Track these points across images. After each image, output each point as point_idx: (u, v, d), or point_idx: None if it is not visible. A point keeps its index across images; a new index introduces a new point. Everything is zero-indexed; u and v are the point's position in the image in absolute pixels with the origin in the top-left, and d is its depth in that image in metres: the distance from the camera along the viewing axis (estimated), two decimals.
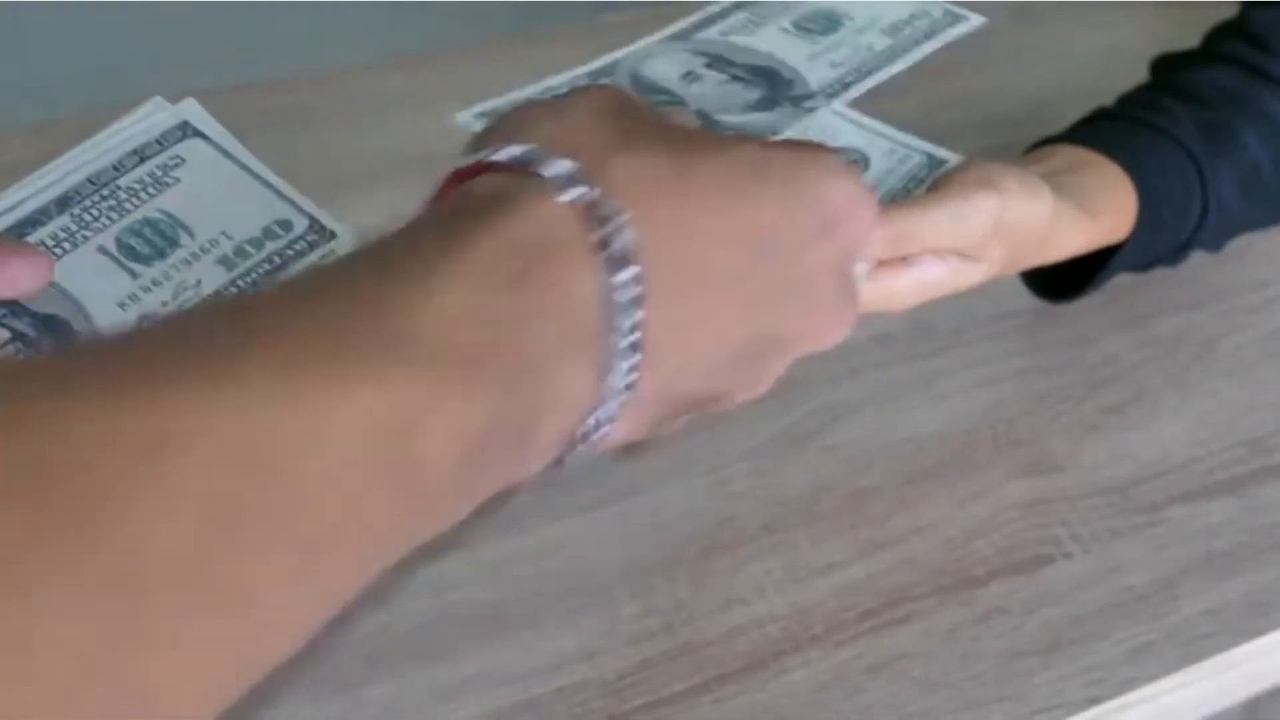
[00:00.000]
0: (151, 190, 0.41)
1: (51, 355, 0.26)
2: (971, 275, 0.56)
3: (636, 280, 0.31)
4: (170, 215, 0.41)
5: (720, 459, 0.65)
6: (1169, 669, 0.55)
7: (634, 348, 0.31)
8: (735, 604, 0.58)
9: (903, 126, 0.63)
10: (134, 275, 0.39)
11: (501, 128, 0.35)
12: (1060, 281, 0.68)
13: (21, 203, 0.40)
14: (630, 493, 0.63)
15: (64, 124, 0.87)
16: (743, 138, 0.35)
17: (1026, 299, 0.71)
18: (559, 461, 0.33)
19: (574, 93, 0.35)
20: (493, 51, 0.98)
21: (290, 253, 0.40)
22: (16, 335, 0.37)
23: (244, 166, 0.42)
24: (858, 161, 0.37)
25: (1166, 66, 0.74)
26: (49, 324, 0.37)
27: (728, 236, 0.33)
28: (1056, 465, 0.65)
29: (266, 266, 0.40)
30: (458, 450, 0.27)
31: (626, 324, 0.31)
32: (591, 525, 0.62)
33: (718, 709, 0.54)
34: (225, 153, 0.42)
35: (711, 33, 0.54)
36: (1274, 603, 0.58)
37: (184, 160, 0.42)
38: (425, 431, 0.26)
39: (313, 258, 0.41)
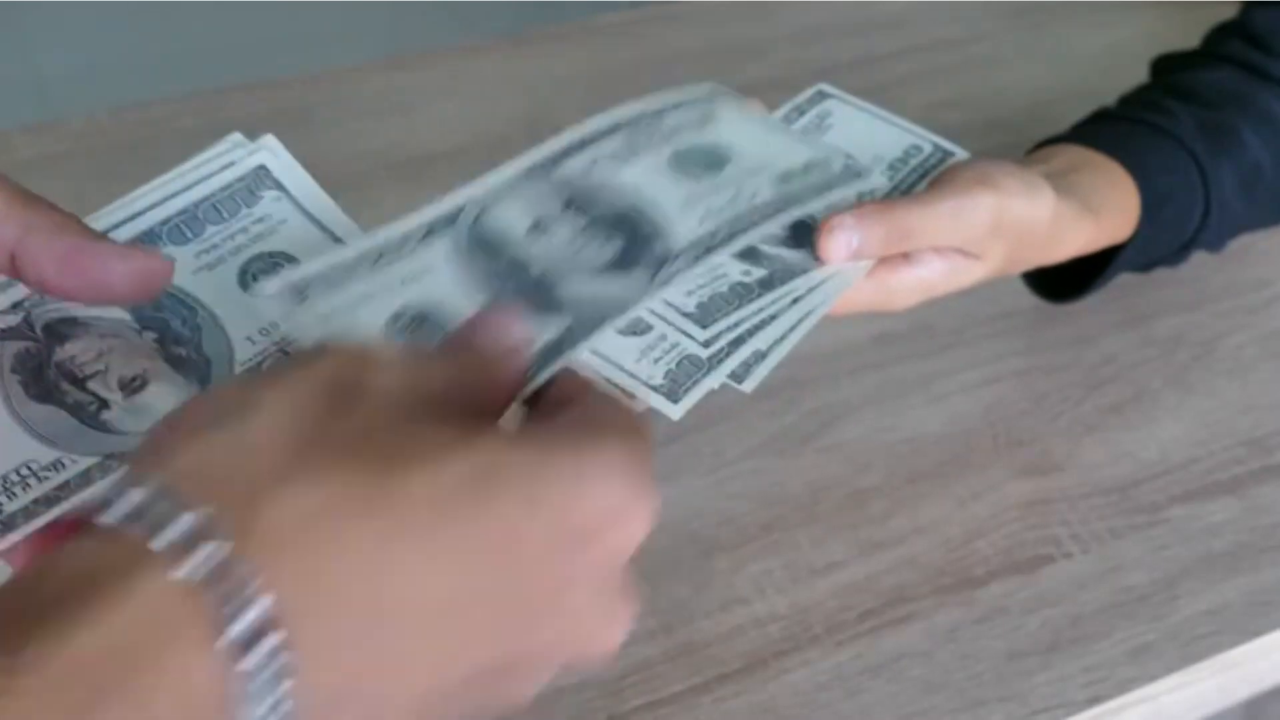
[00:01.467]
0: (695, 126, 0.40)
1: None
2: (972, 273, 0.56)
3: (274, 652, 0.24)
4: (715, 145, 0.41)
5: (720, 459, 0.65)
6: (1169, 669, 0.56)
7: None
8: (735, 604, 0.58)
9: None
10: (695, 179, 0.41)
11: (154, 441, 0.28)
12: (1062, 282, 0.68)
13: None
14: None
15: (65, 124, 0.88)
16: (479, 439, 0.28)
17: (1027, 299, 0.71)
18: None
19: (284, 372, 0.29)
20: (493, 51, 0.98)
21: None
22: (594, 222, 0.37)
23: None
24: (639, 432, 0.31)
25: (1166, 66, 0.74)
26: (620, 222, 0.38)
27: (437, 565, 0.27)
28: (1056, 465, 0.65)
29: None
30: None
31: (266, 705, 0.25)
32: None
33: (718, 709, 0.54)
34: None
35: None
36: (1274, 603, 0.58)
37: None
38: None
39: None
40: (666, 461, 0.65)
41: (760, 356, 0.48)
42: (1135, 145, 0.64)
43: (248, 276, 0.39)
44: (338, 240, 0.41)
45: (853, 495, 0.63)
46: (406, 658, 0.27)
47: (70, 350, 0.37)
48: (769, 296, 0.48)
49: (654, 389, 0.45)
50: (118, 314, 0.38)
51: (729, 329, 0.48)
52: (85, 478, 0.35)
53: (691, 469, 0.64)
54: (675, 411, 0.44)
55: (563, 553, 0.29)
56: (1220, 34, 0.73)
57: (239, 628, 0.24)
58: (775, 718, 0.54)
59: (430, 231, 0.40)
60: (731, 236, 0.45)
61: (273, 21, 2.05)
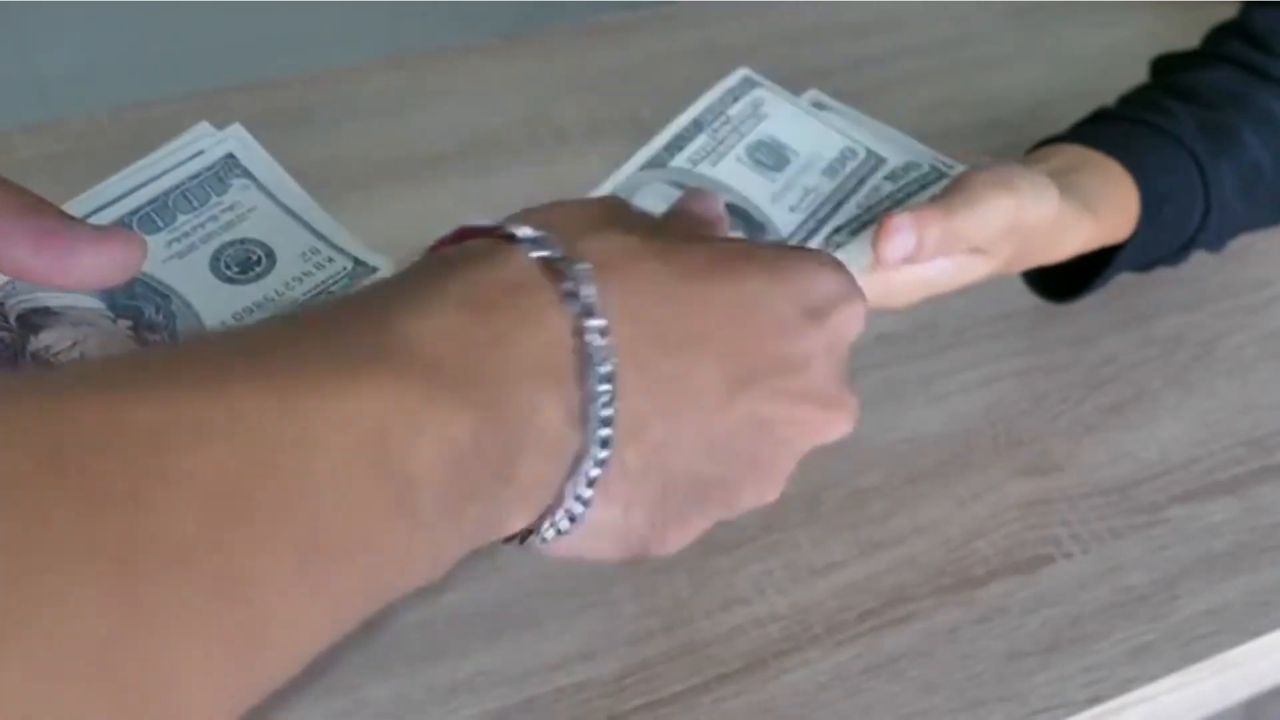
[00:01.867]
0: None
1: (69, 366, 0.27)
2: (976, 272, 0.56)
3: (602, 332, 0.31)
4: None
5: None
6: (1169, 669, 0.56)
7: (608, 401, 0.31)
8: (735, 604, 0.58)
9: (904, 127, 0.63)
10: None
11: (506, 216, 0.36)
12: (1062, 281, 0.68)
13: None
14: None
15: (65, 124, 0.88)
16: (736, 240, 0.37)
17: (1027, 299, 0.71)
18: (531, 534, 0.33)
19: (570, 200, 0.37)
20: (493, 51, 0.98)
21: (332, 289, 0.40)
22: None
23: (286, 208, 0.41)
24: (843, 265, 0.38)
25: (1166, 66, 0.74)
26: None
27: (711, 312, 0.34)
28: (1056, 465, 0.65)
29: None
30: (443, 469, 0.27)
31: (598, 372, 0.31)
32: None
33: (718, 709, 0.54)
34: (268, 193, 0.42)
35: (682, 160, 0.55)
36: (1274, 603, 0.58)
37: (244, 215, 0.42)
38: (411, 443, 0.26)
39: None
40: None
41: None
42: (1135, 145, 0.64)
43: (219, 263, 0.40)
44: (307, 225, 0.41)
45: (853, 495, 0.63)
46: (694, 387, 0.33)
47: (45, 340, 0.37)
48: None
49: None
50: (91, 303, 0.38)
51: None
52: None
53: None
54: None
55: (803, 325, 0.35)
56: (1220, 34, 0.73)
57: (582, 296, 0.31)
58: (775, 718, 0.54)
59: None
60: (819, 224, 0.53)
61: (273, 21, 2.05)
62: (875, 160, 0.57)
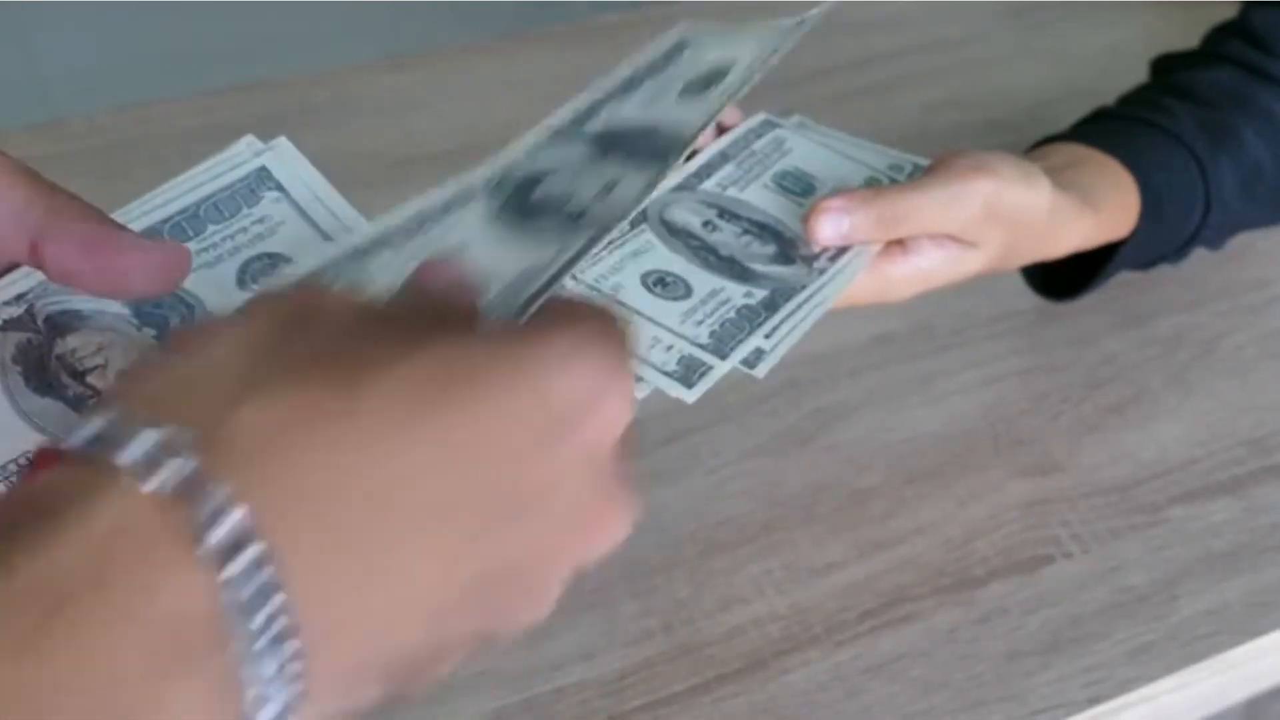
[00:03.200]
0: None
1: None
2: (970, 263, 0.56)
3: (259, 562, 0.24)
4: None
5: (720, 459, 0.65)
6: (1169, 669, 0.56)
7: (280, 639, 0.24)
8: (735, 604, 0.58)
9: (904, 127, 0.63)
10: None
11: (124, 379, 0.28)
12: (1062, 280, 0.68)
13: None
14: None
15: (66, 124, 0.88)
16: (442, 338, 0.28)
17: (1027, 299, 0.71)
18: None
19: (247, 305, 0.29)
20: (493, 51, 0.98)
21: None
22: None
23: (314, 225, 0.41)
24: (614, 322, 0.32)
25: (1166, 66, 0.74)
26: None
27: (410, 470, 0.26)
28: (1056, 465, 0.65)
29: None
30: None
31: (259, 618, 0.24)
32: None
33: (718, 709, 0.54)
34: (298, 208, 0.42)
35: (711, 185, 0.57)
36: (1274, 603, 0.58)
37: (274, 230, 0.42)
38: None
39: None
40: (666, 461, 0.65)
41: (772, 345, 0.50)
42: (1135, 143, 0.65)
43: (246, 276, 0.39)
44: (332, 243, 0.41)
45: (853, 495, 0.63)
46: (404, 565, 0.26)
47: (71, 344, 0.37)
48: (777, 316, 0.49)
49: (668, 376, 0.45)
50: (117, 309, 0.38)
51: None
52: None
53: (691, 469, 0.64)
54: (690, 396, 0.45)
55: (545, 443, 0.28)
56: (1220, 34, 0.73)
57: (218, 534, 0.23)
58: (775, 718, 0.54)
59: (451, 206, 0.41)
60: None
61: (273, 21, 2.05)
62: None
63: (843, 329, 0.71)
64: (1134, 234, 0.64)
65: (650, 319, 0.48)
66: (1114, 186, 0.62)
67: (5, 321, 0.36)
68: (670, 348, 0.47)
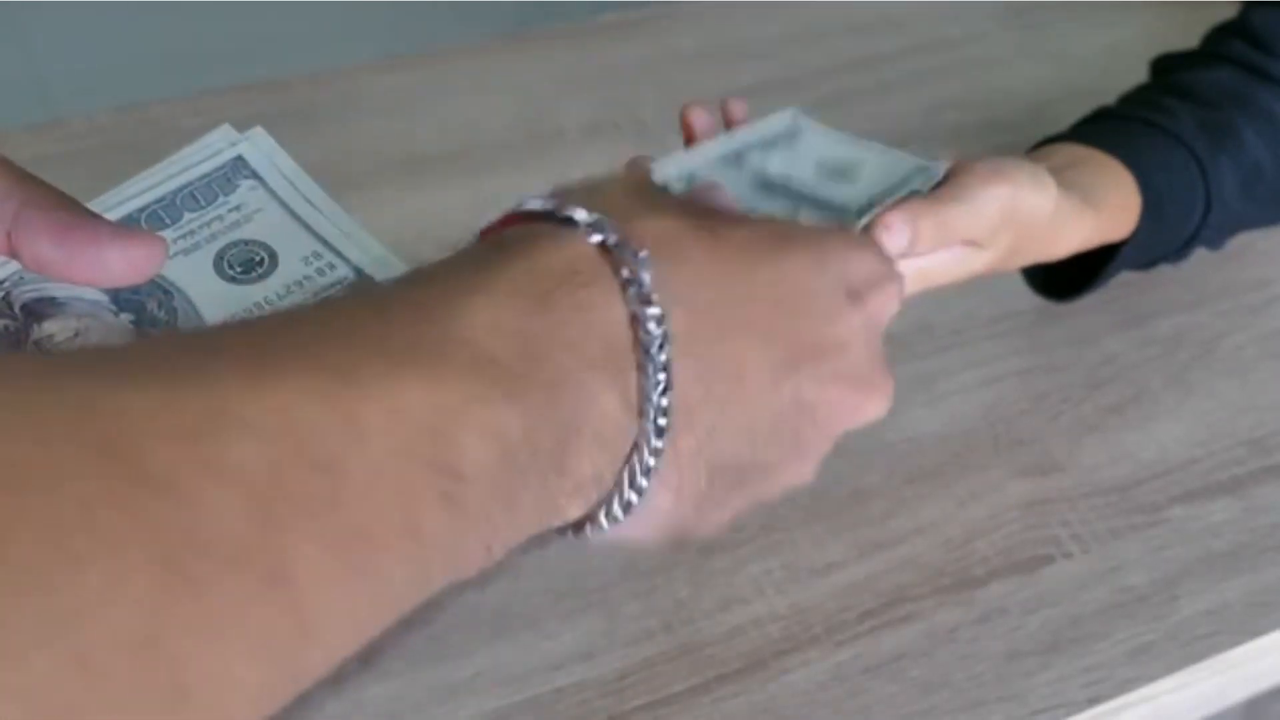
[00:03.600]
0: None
1: (113, 347, 0.27)
2: (974, 263, 0.56)
3: (659, 320, 0.31)
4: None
5: None
6: (1169, 669, 0.56)
7: (664, 390, 0.31)
8: (735, 604, 0.58)
9: (904, 127, 0.63)
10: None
11: (538, 193, 0.35)
12: (1062, 280, 0.68)
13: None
14: None
15: (65, 124, 0.88)
16: (759, 218, 0.37)
17: (1027, 299, 0.71)
18: (584, 529, 0.33)
19: (607, 176, 0.36)
20: (493, 51, 0.98)
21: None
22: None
23: (291, 212, 0.42)
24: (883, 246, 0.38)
25: (1166, 66, 0.74)
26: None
27: (755, 297, 0.34)
28: (1056, 465, 0.65)
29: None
30: (493, 463, 0.27)
31: (656, 361, 0.31)
32: None
33: (718, 709, 0.54)
34: (275, 196, 0.42)
35: (756, 160, 0.58)
36: (1274, 603, 0.58)
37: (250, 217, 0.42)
38: (458, 439, 0.26)
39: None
40: None
41: None
42: (1135, 143, 0.65)
43: (223, 262, 0.40)
44: (310, 230, 0.41)
45: (853, 495, 0.63)
46: (740, 373, 0.33)
47: (48, 329, 0.37)
48: None
49: None
50: (94, 295, 0.38)
51: None
52: None
53: None
54: None
55: (842, 307, 0.36)
56: (1220, 34, 0.73)
57: (638, 285, 0.31)
58: (775, 718, 0.54)
59: None
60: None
61: (273, 21, 2.05)
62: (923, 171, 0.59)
63: None
64: (1134, 234, 0.64)
65: None
66: (1115, 186, 0.62)
67: None
68: None
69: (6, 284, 0.37)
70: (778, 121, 0.61)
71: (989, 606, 0.58)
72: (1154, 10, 1.03)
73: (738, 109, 0.60)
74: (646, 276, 0.31)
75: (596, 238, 0.32)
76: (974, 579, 0.59)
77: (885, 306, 0.38)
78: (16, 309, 0.37)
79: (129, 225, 0.37)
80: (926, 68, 0.97)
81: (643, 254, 0.31)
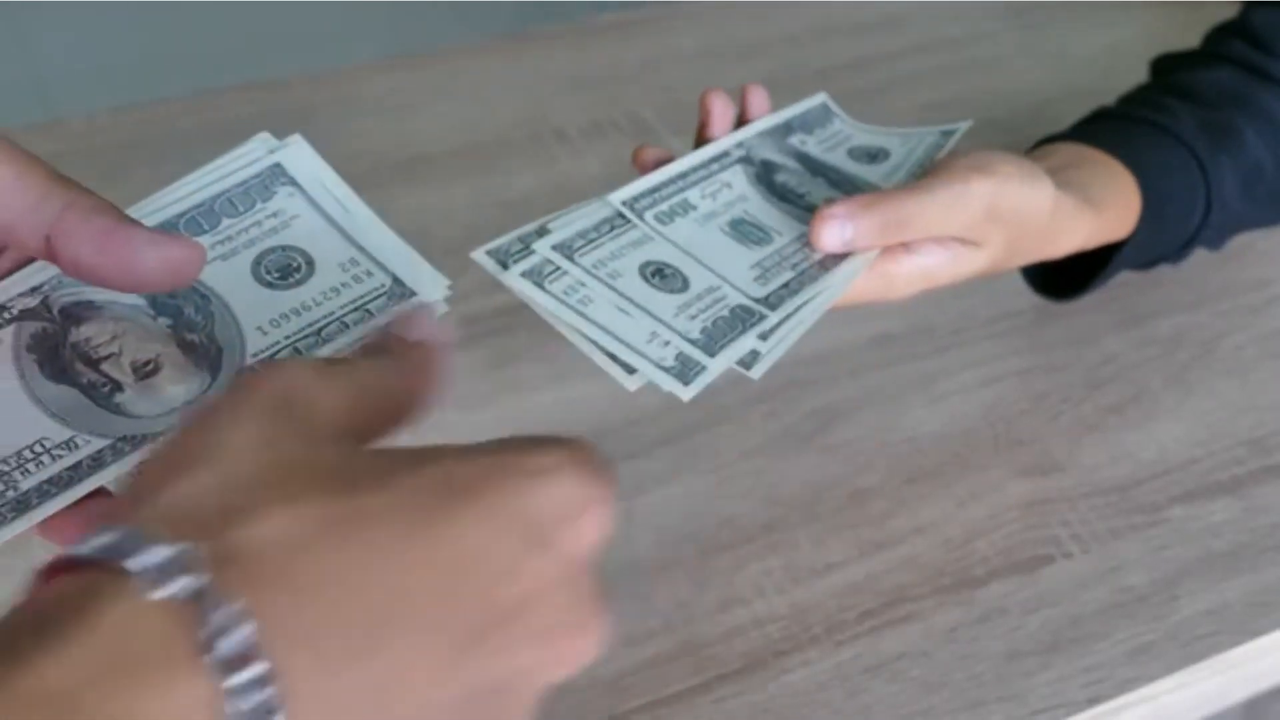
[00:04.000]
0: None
1: None
2: (973, 262, 0.56)
3: (262, 681, 0.25)
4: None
5: (720, 459, 0.65)
6: (1169, 669, 0.56)
7: None
8: (735, 604, 0.58)
9: (904, 127, 0.64)
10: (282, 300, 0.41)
11: (131, 487, 0.29)
12: (1063, 280, 0.68)
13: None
14: (630, 493, 0.63)
15: (65, 124, 0.88)
16: (435, 454, 0.29)
17: (1027, 299, 0.71)
18: None
19: (234, 401, 0.29)
20: (493, 51, 0.98)
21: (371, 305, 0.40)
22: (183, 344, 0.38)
23: (329, 218, 0.42)
24: (582, 447, 0.33)
25: (1167, 66, 0.74)
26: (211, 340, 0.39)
27: (407, 586, 0.27)
28: (1056, 465, 0.65)
29: (342, 323, 0.40)
30: None
31: None
32: None
33: (718, 709, 0.54)
34: (312, 203, 0.42)
35: (794, 141, 0.60)
36: (1274, 603, 0.58)
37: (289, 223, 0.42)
38: None
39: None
40: (666, 461, 0.65)
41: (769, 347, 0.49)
42: (1136, 143, 0.65)
43: (260, 268, 0.40)
44: (347, 237, 0.42)
45: (853, 495, 0.63)
46: (400, 685, 0.27)
47: (85, 332, 0.37)
48: (775, 316, 0.49)
49: (665, 371, 0.45)
50: (132, 299, 0.38)
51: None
52: (97, 459, 0.35)
53: (691, 469, 0.64)
54: (686, 393, 0.45)
55: (525, 559, 0.29)
56: (1220, 34, 0.73)
57: (226, 644, 0.24)
58: (775, 718, 0.54)
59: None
60: None
61: (273, 21, 2.05)
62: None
63: (843, 329, 0.71)
64: (1135, 234, 0.64)
65: (645, 310, 0.47)
66: (1115, 186, 0.62)
67: (21, 312, 0.37)
68: (668, 343, 0.46)
69: (45, 287, 0.37)
70: (809, 104, 0.62)
71: (989, 606, 0.58)
72: (1154, 10, 1.03)
73: (756, 98, 0.60)
74: (239, 635, 0.24)
75: (166, 592, 0.24)
76: (974, 579, 0.59)
77: (584, 539, 0.31)
78: (55, 312, 0.37)
79: (167, 231, 0.37)
80: (926, 68, 0.97)
81: (235, 606, 0.24)
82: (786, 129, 0.60)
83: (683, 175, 0.53)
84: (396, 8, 2.09)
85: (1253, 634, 0.57)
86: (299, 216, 0.41)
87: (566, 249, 0.48)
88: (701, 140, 0.57)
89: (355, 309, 0.40)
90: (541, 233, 0.48)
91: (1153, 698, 0.55)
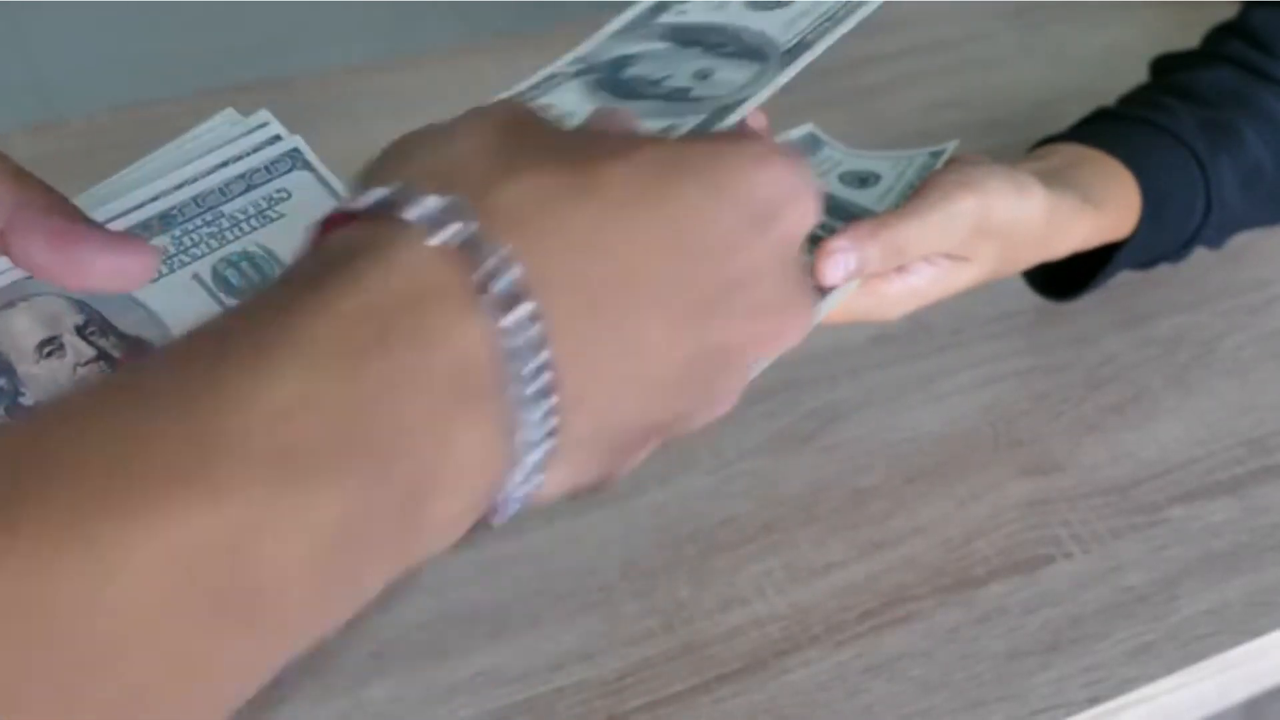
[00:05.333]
0: (255, 223, 0.41)
1: None
2: (963, 277, 0.56)
3: (532, 317, 0.27)
4: (268, 251, 0.40)
5: (720, 459, 0.65)
6: (1169, 669, 0.56)
7: (544, 393, 0.27)
8: (735, 604, 0.58)
9: (904, 127, 0.64)
10: (223, 305, 0.39)
11: (382, 162, 0.31)
12: (1063, 280, 0.68)
13: (126, 213, 0.40)
14: (630, 493, 0.63)
15: (65, 124, 0.88)
16: (654, 138, 0.32)
17: (1026, 299, 0.71)
18: (484, 523, 0.29)
19: (463, 116, 0.32)
20: (493, 51, 0.98)
21: None
22: (102, 354, 0.37)
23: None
24: (795, 148, 0.33)
25: (1167, 66, 0.74)
26: (135, 346, 0.37)
27: (645, 247, 0.30)
28: (1056, 465, 0.65)
29: None
30: (304, 560, 0.23)
31: (529, 369, 0.27)
32: (591, 525, 0.62)
33: (718, 709, 0.54)
34: (330, 189, 0.42)
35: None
36: (1274, 603, 0.58)
37: (289, 195, 0.42)
38: (257, 550, 0.22)
39: None
40: (666, 462, 0.65)
41: None
42: (1136, 143, 0.65)
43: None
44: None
45: (853, 495, 0.63)
46: (639, 339, 0.30)
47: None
48: None
49: None
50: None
51: None
52: None
53: (691, 469, 0.64)
54: None
55: (748, 237, 0.32)
56: (1220, 34, 0.73)
57: (498, 287, 0.26)
58: (775, 718, 0.54)
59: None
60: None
61: (273, 21, 2.05)
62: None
63: (843, 329, 0.71)
64: (1135, 234, 0.64)
65: None
66: (1115, 186, 0.62)
67: None
68: None
69: None
70: (796, 135, 0.62)
71: (989, 606, 0.58)
72: (1154, 10, 1.03)
73: (755, 120, 0.60)
74: (510, 275, 0.26)
75: (439, 237, 0.26)
76: (974, 579, 0.59)
77: (797, 225, 0.33)
78: None
79: (123, 233, 0.36)
80: (926, 68, 0.97)
81: (504, 250, 0.27)
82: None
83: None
84: (396, 8, 2.09)
85: (1253, 634, 0.57)
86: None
87: None
88: None
89: None
90: None
91: (1153, 698, 0.55)
